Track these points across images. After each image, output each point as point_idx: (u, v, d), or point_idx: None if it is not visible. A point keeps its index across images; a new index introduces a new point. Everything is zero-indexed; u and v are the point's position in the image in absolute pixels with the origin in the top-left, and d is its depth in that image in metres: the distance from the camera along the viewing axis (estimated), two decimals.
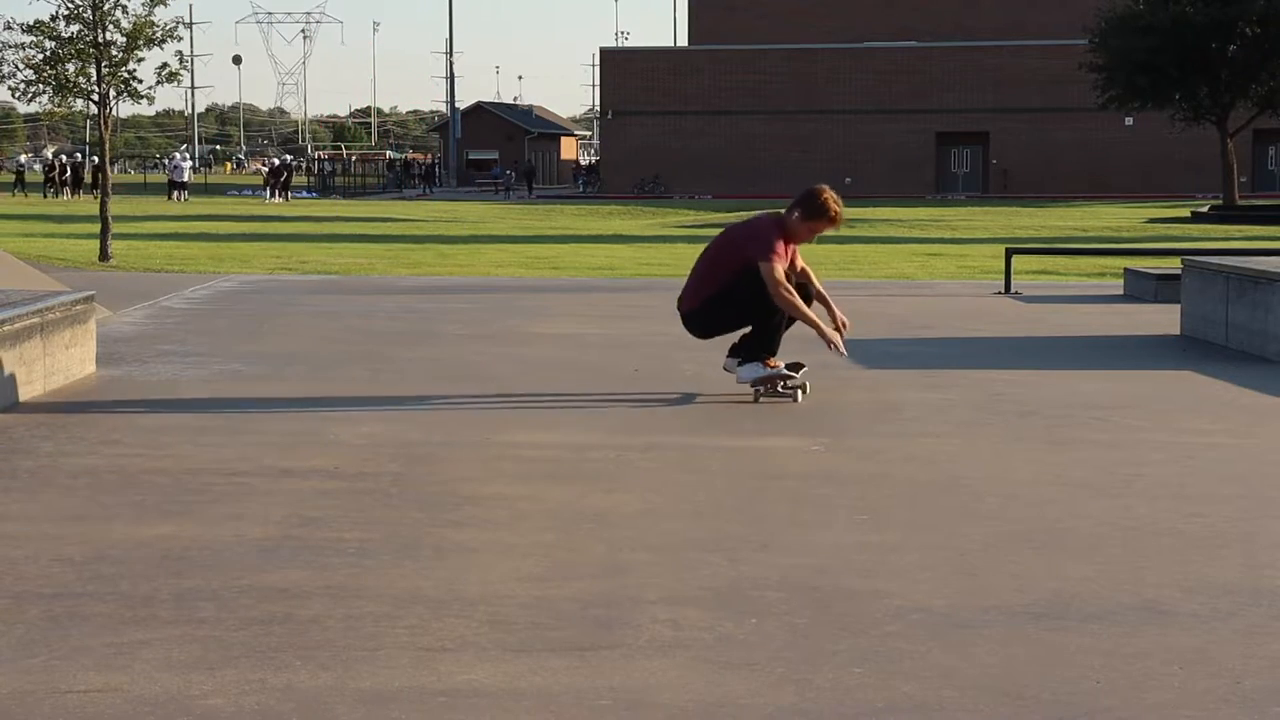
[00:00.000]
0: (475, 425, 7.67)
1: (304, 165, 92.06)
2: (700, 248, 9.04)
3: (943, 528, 5.52)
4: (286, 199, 59.84)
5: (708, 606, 4.49)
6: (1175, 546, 5.29)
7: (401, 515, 5.67)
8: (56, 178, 62.62)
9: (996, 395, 8.80)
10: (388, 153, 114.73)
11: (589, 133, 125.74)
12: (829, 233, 8.78)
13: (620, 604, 4.51)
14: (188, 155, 71.67)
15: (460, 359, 10.49)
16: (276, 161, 70.73)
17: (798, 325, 8.59)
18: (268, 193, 61.36)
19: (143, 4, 22.84)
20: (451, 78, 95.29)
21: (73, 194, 60.36)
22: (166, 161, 63.94)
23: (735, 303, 8.48)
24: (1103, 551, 5.19)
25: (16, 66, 23.12)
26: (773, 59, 73.84)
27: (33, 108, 29.41)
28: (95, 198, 33.90)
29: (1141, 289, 15.53)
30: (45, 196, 60.16)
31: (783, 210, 8.65)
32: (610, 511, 5.77)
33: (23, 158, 77.71)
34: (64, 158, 70.25)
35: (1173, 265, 15.09)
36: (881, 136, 72.63)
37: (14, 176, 68.99)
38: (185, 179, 59.97)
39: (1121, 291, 16.14)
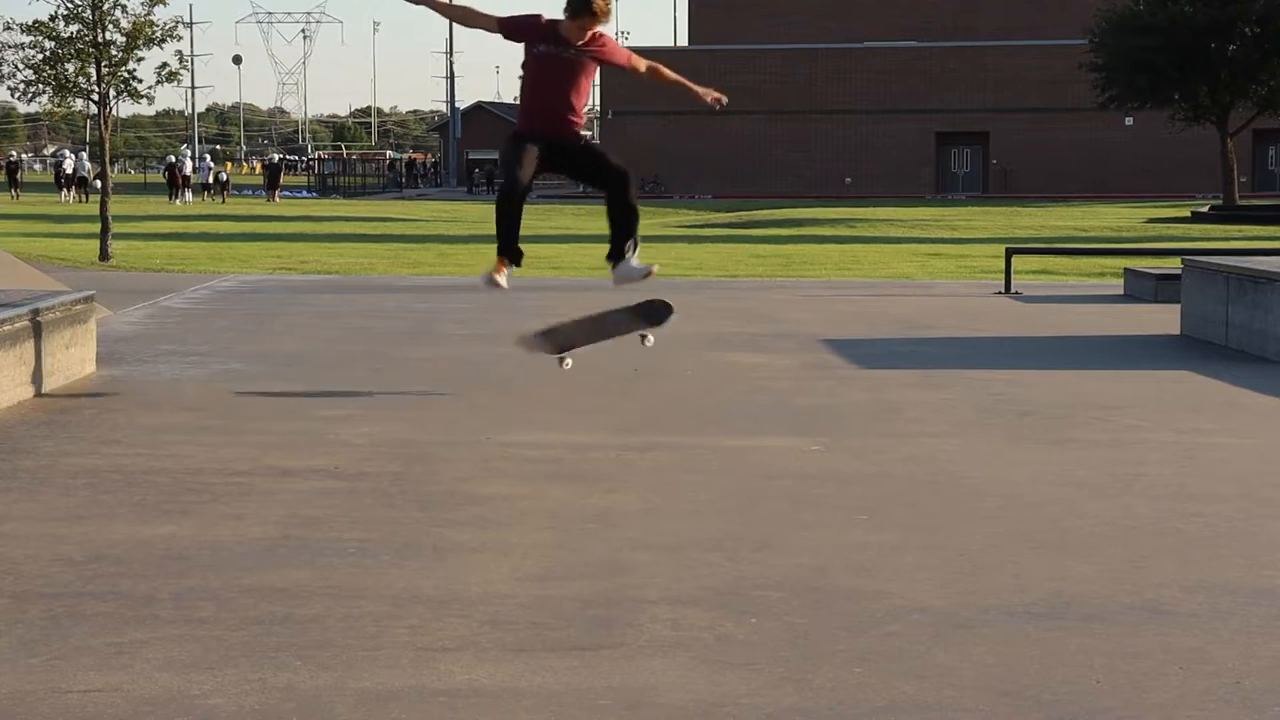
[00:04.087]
0: (475, 425, 7.67)
1: (303, 165, 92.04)
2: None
3: (943, 528, 5.52)
4: (275, 198, 60.08)
5: (708, 606, 4.49)
6: (1175, 546, 5.29)
7: (401, 515, 5.67)
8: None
9: (996, 395, 8.80)
10: (388, 153, 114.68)
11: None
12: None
13: (620, 604, 4.51)
14: (205, 155, 71.48)
15: (460, 359, 10.50)
16: (276, 158, 70.90)
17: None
18: (267, 192, 61.70)
19: (142, 4, 22.84)
20: (451, 77, 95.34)
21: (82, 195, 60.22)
22: (198, 161, 63.57)
23: None
24: (1103, 551, 5.19)
25: (16, 66, 23.11)
26: (773, 59, 73.80)
27: (33, 108, 29.43)
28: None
29: (1141, 289, 15.52)
30: (85, 200, 59.81)
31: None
32: (610, 511, 5.77)
33: (68, 153, 73.78)
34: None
35: (1173, 265, 15.08)
36: (881, 136, 72.58)
37: (54, 176, 66.96)
38: (208, 179, 60.27)
39: (1121, 291, 16.14)
